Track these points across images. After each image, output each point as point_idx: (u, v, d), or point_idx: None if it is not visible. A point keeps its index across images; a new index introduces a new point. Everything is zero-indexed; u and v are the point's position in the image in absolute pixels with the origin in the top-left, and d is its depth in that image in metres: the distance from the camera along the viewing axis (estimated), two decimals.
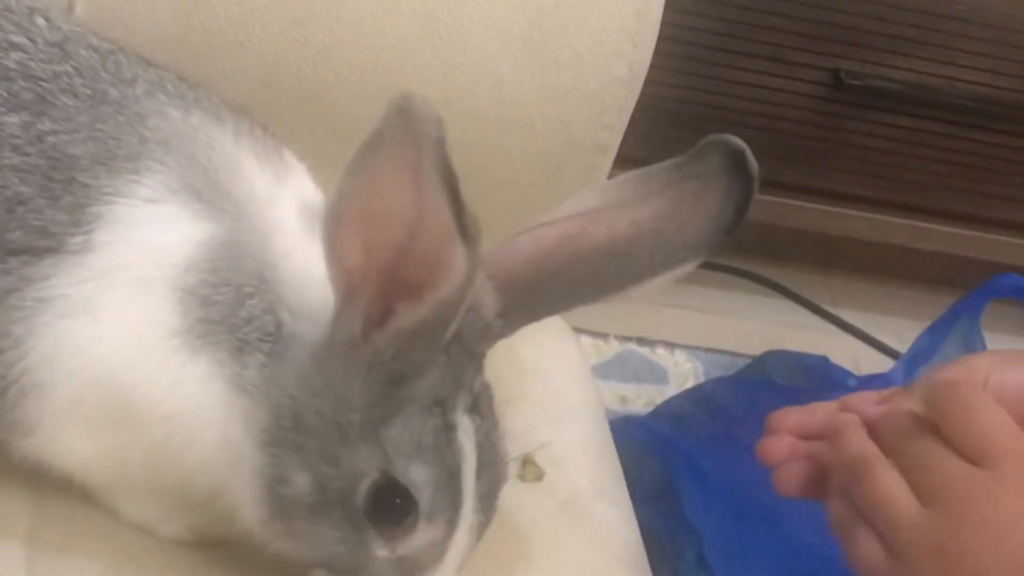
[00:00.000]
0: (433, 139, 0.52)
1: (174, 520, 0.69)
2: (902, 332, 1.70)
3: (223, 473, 0.64)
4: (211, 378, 0.63)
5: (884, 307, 1.91)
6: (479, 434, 0.63)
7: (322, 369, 0.62)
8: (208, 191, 0.64)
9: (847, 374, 1.56)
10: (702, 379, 1.71)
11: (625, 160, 0.95)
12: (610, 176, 0.92)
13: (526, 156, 0.89)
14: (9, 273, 0.62)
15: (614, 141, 0.90)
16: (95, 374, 0.62)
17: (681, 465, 1.28)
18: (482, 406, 0.65)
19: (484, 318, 0.64)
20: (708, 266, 1.83)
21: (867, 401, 0.77)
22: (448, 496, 0.62)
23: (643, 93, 0.90)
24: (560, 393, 0.83)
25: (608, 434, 0.93)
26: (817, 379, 1.52)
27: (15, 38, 0.66)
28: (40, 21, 0.68)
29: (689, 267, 0.66)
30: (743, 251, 1.84)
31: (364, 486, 0.61)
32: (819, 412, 0.77)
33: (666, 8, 0.89)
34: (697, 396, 1.45)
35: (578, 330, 1.08)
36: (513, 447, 0.68)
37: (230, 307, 0.63)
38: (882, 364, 1.76)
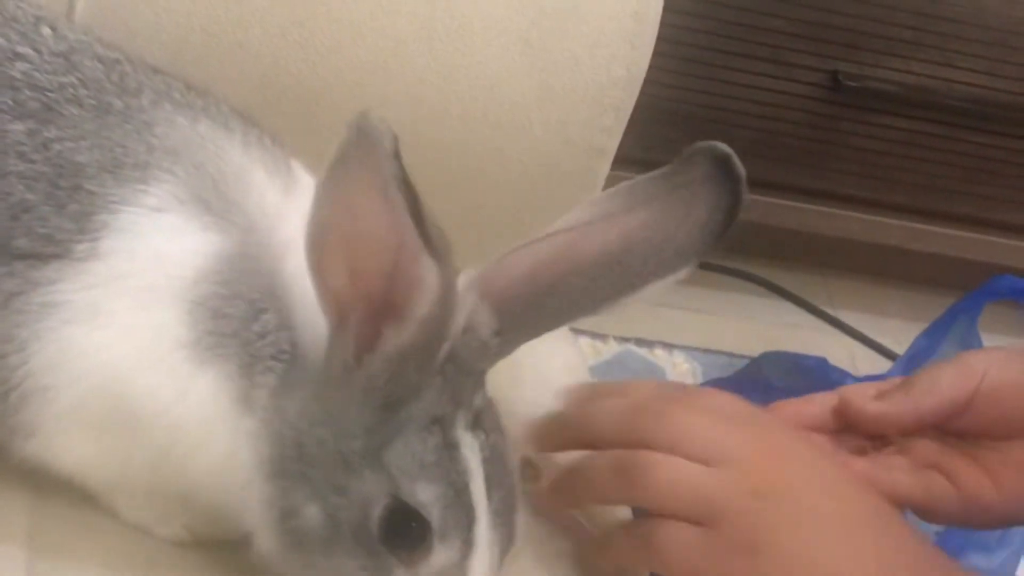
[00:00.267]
0: (387, 155, 0.52)
1: (172, 521, 0.68)
2: (900, 333, 1.71)
3: (229, 489, 0.64)
4: (219, 391, 0.62)
5: (882, 308, 1.91)
6: (484, 450, 0.63)
7: (321, 398, 0.62)
8: (217, 202, 0.64)
9: (845, 375, 1.57)
10: (700, 380, 1.72)
11: (623, 161, 0.95)
12: (608, 177, 0.92)
13: (524, 158, 0.89)
14: (14, 276, 0.61)
15: (612, 143, 0.90)
16: (99, 380, 0.62)
17: None
18: (485, 422, 0.64)
19: (481, 338, 0.63)
20: (706, 267, 1.85)
21: (864, 392, 0.77)
22: (459, 514, 0.61)
23: (642, 94, 0.91)
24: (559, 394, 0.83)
25: None
26: (815, 380, 1.53)
27: (20, 48, 0.66)
28: (46, 31, 0.67)
29: (682, 274, 0.66)
30: (741, 252, 1.85)
31: (376, 512, 0.60)
32: (816, 403, 0.78)
33: (664, 10, 0.89)
34: None
35: (576, 331, 1.08)
36: (512, 448, 0.68)
37: (242, 320, 0.62)
38: (880, 365, 1.77)
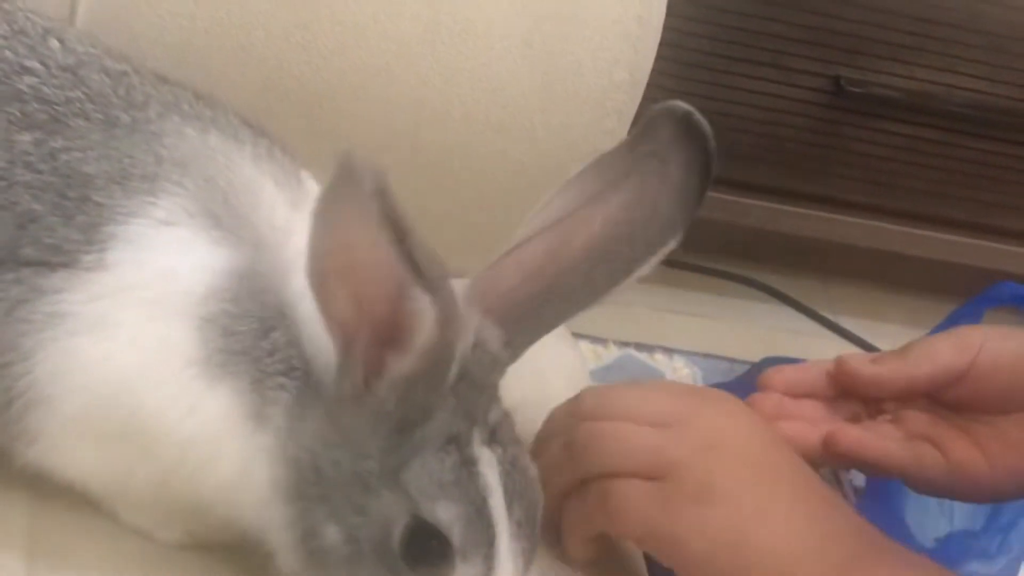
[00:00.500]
0: (371, 195, 0.52)
1: (174, 526, 0.68)
2: (900, 339, 1.69)
3: (242, 505, 0.63)
4: (231, 408, 0.62)
5: (882, 314, 1.91)
6: (502, 464, 0.62)
7: (334, 420, 0.61)
8: (227, 217, 0.64)
9: None
10: (700, 384, 1.72)
11: None
12: None
13: (526, 161, 0.89)
14: (20, 283, 0.61)
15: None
16: (104, 391, 0.61)
17: None
18: (502, 435, 0.63)
19: (491, 352, 0.63)
20: (706, 272, 1.85)
21: (862, 360, 0.77)
22: (480, 531, 0.60)
23: (644, 98, 0.91)
24: (559, 400, 0.82)
25: None
26: None
27: (28, 62, 0.65)
28: (54, 44, 0.67)
29: (672, 246, 0.66)
30: (742, 257, 1.85)
31: (397, 531, 0.60)
32: (812, 369, 0.78)
33: (667, 14, 0.89)
34: None
35: (577, 335, 1.08)
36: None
37: (252, 338, 0.62)
38: None
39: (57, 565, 0.67)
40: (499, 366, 0.64)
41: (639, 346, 1.75)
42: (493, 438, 0.63)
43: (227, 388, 0.62)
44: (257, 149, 0.68)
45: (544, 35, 0.85)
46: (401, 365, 0.58)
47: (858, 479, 1.50)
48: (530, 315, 0.65)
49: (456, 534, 0.60)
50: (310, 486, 0.61)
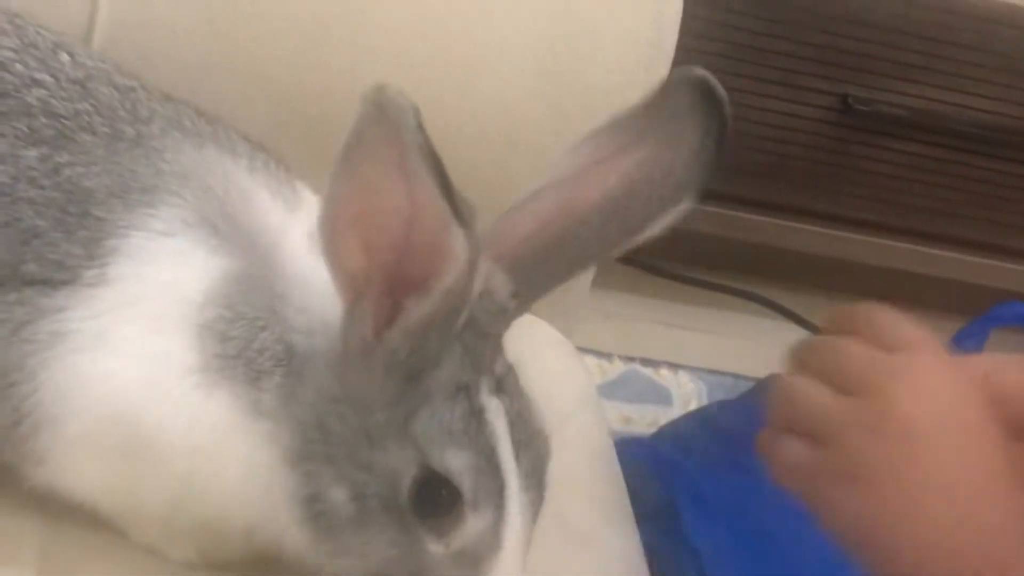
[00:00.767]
0: (411, 127, 0.52)
1: (184, 544, 0.69)
2: None
3: (256, 504, 0.63)
4: (231, 410, 0.62)
5: None
6: (510, 414, 0.63)
7: (340, 377, 0.62)
8: (224, 224, 0.65)
9: None
10: (705, 400, 1.72)
11: None
12: None
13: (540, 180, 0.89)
14: (24, 303, 0.62)
15: None
16: (110, 409, 0.62)
17: (684, 487, 1.29)
18: (508, 386, 0.64)
19: (498, 301, 0.63)
20: (713, 287, 1.85)
21: None
22: (490, 479, 0.61)
23: None
24: (567, 418, 0.83)
25: (615, 459, 0.93)
26: None
27: (38, 75, 0.66)
28: (64, 57, 0.68)
29: (685, 207, 0.67)
30: (749, 273, 1.85)
31: (405, 484, 0.60)
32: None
33: (679, 34, 0.89)
34: (700, 419, 1.45)
35: (582, 350, 1.08)
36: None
37: (245, 340, 0.63)
38: None
39: None
40: (505, 316, 0.64)
41: (644, 361, 1.75)
42: (500, 388, 0.63)
43: (225, 392, 0.62)
44: (253, 161, 0.69)
45: (558, 58, 0.86)
46: (420, 308, 0.58)
47: None
48: (540, 266, 0.66)
49: (467, 483, 0.60)
50: (316, 446, 0.61)
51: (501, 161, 0.88)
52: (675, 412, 1.67)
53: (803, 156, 1.70)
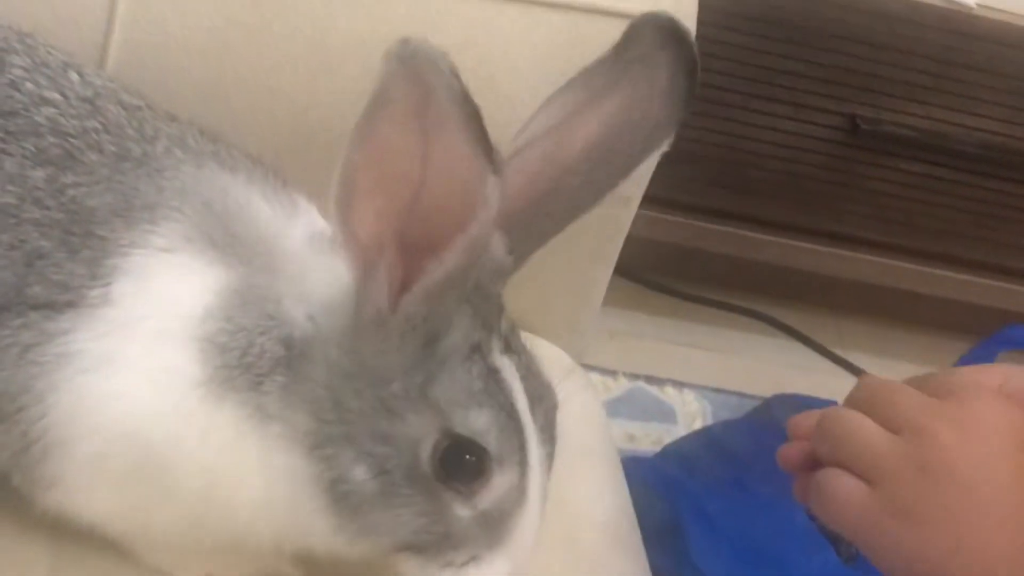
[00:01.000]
0: (447, 75, 0.52)
1: (194, 565, 0.69)
2: None
3: (282, 506, 0.63)
4: (239, 419, 0.62)
5: (894, 352, 1.91)
6: (521, 370, 0.63)
7: (352, 352, 0.61)
8: (222, 237, 0.65)
9: None
10: (710, 419, 1.71)
11: (644, 200, 0.96)
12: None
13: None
14: (30, 327, 0.62)
15: (638, 192, 0.90)
16: (120, 430, 0.62)
17: (688, 507, 1.28)
18: (514, 344, 0.65)
19: (496, 259, 0.64)
20: (718, 306, 1.85)
21: None
22: (512, 436, 0.61)
23: None
24: (574, 439, 0.82)
25: (622, 480, 0.92)
26: None
27: (47, 93, 0.67)
28: (74, 76, 0.68)
29: (665, 146, 0.68)
30: (753, 292, 1.85)
31: (426, 451, 0.60)
32: None
33: None
34: (705, 438, 1.45)
35: (587, 367, 1.08)
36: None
37: (244, 349, 0.63)
38: None
39: None
40: (503, 273, 0.65)
41: (649, 379, 1.75)
42: (509, 347, 0.64)
43: (230, 402, 0.62)
44: (252, 176, 0.69)
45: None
46: (444, 266, 0.58)
47: None
48: (533, 220, 0.66)
49: (492, 440, 0.60)
50: (333, 426, 0.61)
51: None
52: (679, 430, 1.67)
53: (810, 176, 1.71)
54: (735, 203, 1.72)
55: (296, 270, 0.64)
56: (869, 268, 1.80)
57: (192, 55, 0.80)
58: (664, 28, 0.67)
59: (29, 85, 0.67)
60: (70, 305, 0.62)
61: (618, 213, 0.91)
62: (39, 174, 0.64)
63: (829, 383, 1.78)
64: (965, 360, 1.50)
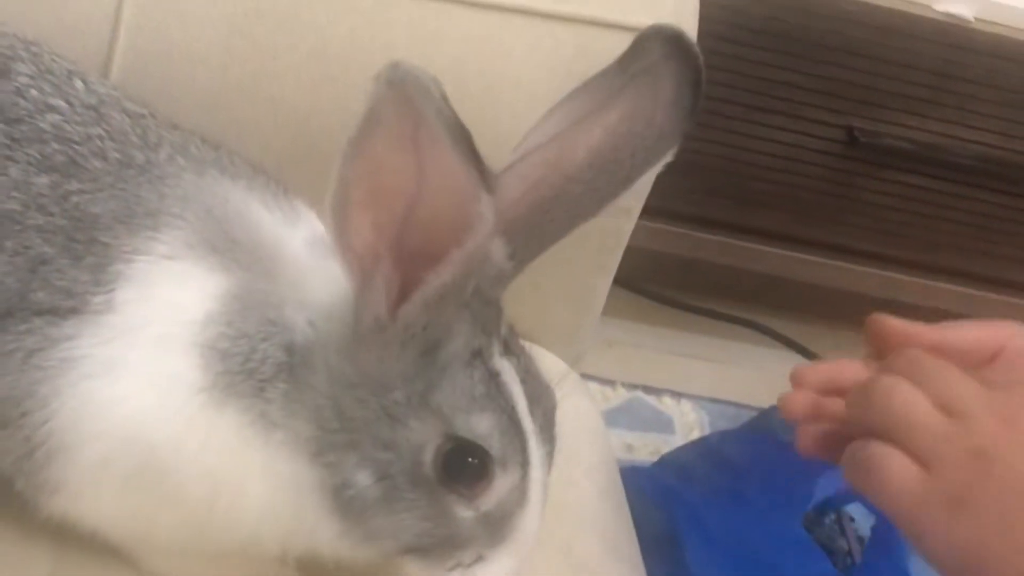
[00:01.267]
0: (437, 100, 0.52)
1: (196, 571, 0.69)
2: None
3: (286, 513, 0.64)
4: (240, 425, 0.63)
5: None
6: (520, 372, 0.64)
7: (353, 360, 0.62)
8: (223, 244, 0.65)
9: None
10: (708, 429, 1.72)
11: (643, 211, 0.96)
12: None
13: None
14: (33, 333, 0.62)
15: (638, 204, 0.91)
16: (123, 435, 0.62)
17: (686, 517, 1.29)
18: (513, 346, 0.66)
19: (496, 265, 0.64)
20: (716, 316, 1.85)
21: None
22: (514, 439, 0.62)
23: None
24: (574, 452, 0.83)
25: (622, 492, 0.93)
26: None
27: (52, 100, 0.67)
28: (78, 84, 0.69)
29: (669, 156, 0.68)
30: (752, 302, 1.85)
31: (429, 455, 0.61)
32: (847, 370, 0.76)
33: None
34: (702, 448, 1.45)
35: (586, 376, 1.08)
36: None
37: (246, 355, 0.63)
38: None
39: None
40: (503, 279, 0.65)
41: (647, 389, 1.75)
42: (508, 349, 0.64)
43: (233, 408, 0.63)
44: (252, 183, 0.70)
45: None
46: (441, 276, 0.58)
47: (863, 529, 1.50)
48: (534, 226, 0.67)
49: (495, 444, 0.61)
50: (336, 435, 0.62)
51: None
52: (677, 440, 1.67)
53: (808, 187, 1.71)
54: (734, 214, 1.72)
55: (297, 276, 0.65)
56: (866, 279, 1.81)
57: (195, 64, 0.81)
58: (670, 40, 0.68)
59: (34, 92, 0.67)
60: (74, 311, 0.62)
61: (618, 224, 0.91)
62: (43, 180, 0.64)
63: None
64: None
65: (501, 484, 0.62)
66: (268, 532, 0.64)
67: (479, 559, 0.63)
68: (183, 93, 0.80)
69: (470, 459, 0.61)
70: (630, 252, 0.98)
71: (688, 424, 1.73)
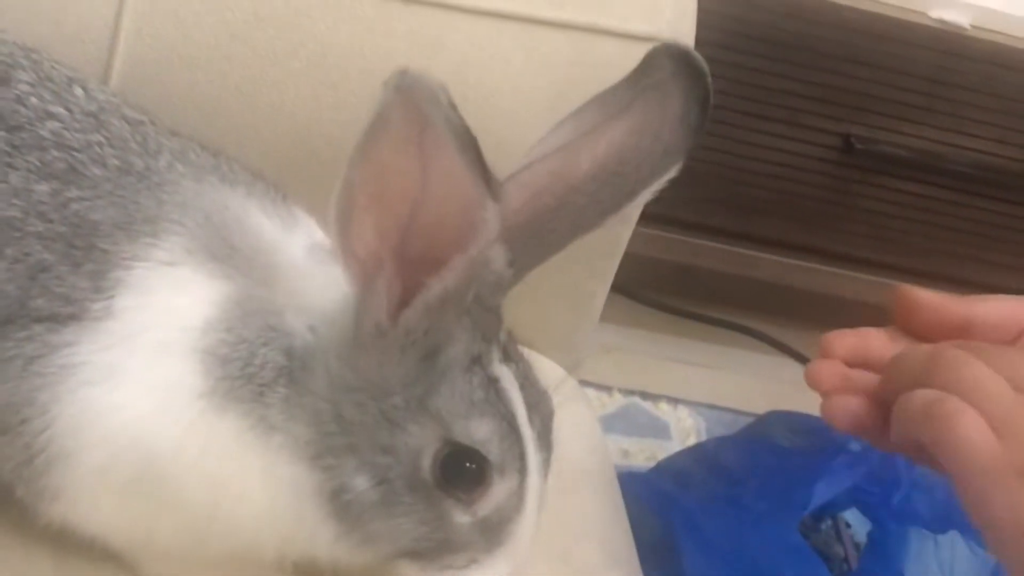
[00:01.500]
0: (445, 107, 0.53)
1: None
2: None
3: (286, 516, 0.64)
4: (240, 430, 0.63)
5: None
6: (518, 378, 0.64)
7: (352, 365, 0.62)
8: (222, 249, 0.66)
9: (850, 437, 1.56)
10: (704, 435, 1.72)
11: (642, 217, 0.96)
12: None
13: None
14: (33, 340, 0.62)
15: (636, 210, 0.91)
16: (123, 442, 0.62)
17: (682, 523, 1.29)
18: (512, 352, 0.66)
19: (496, 272, 0.64)
20: (713, 322, 1.85)
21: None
22: (512, 445, 0.62)
23: None
24: (572, 461, 0.83)
25: (619, 498, 0.93)
26: (819, 441, 1.53)
27: (52, 108, 0.67)
28: (78, 91, 0.69)
29: (673, 172, 0.68)
30: (749, 309, 1.86)
31: (427, 460, 0.61)
32: (873, 341, 0.74)
33: None
34: (699, 454, 1.45)
35: (583, 382, 1.09)
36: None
37: (246, 360, 0.63)
38: None
39: None
40: (503, 286, 0.65)
41: (644, 395, 1.75)
42: (507, 356, 0.65)
43: (233, 413, 0.63)
44: (251, 189, 0.70)
45: (568, 100, 0.86)
46: (443, 283, 0.59)
47: (859, 535, 1.50)
48: (535, 235, 0.67)
49: (493, 449, 0.61)
50: (335, 438, 0.62)
51: None
52: (674, 446, 1.67)
53: (805, 194, 1.71)
54: (731, 221, 1.73)
55: (296, 282, 0.65)
56: (862, 286, 1.81)
57: (195, 71, 0.81)
58: (680, 58, 0.68)
59: (34, 100, 0.67)
60: (73, 318, 0.62)
61: (616, 230, 0.91)
62: (43, 188, 0.64)
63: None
64: None
65: (499, 490, 0.63)
66: (267, 536, 0.65)
67: (472, 563, 0.64)
68: (183, 100, 0.80)
69: (468, 464, 0.61)
70: (628, 258, 0.99)
71: (685, 430, 1.73)
